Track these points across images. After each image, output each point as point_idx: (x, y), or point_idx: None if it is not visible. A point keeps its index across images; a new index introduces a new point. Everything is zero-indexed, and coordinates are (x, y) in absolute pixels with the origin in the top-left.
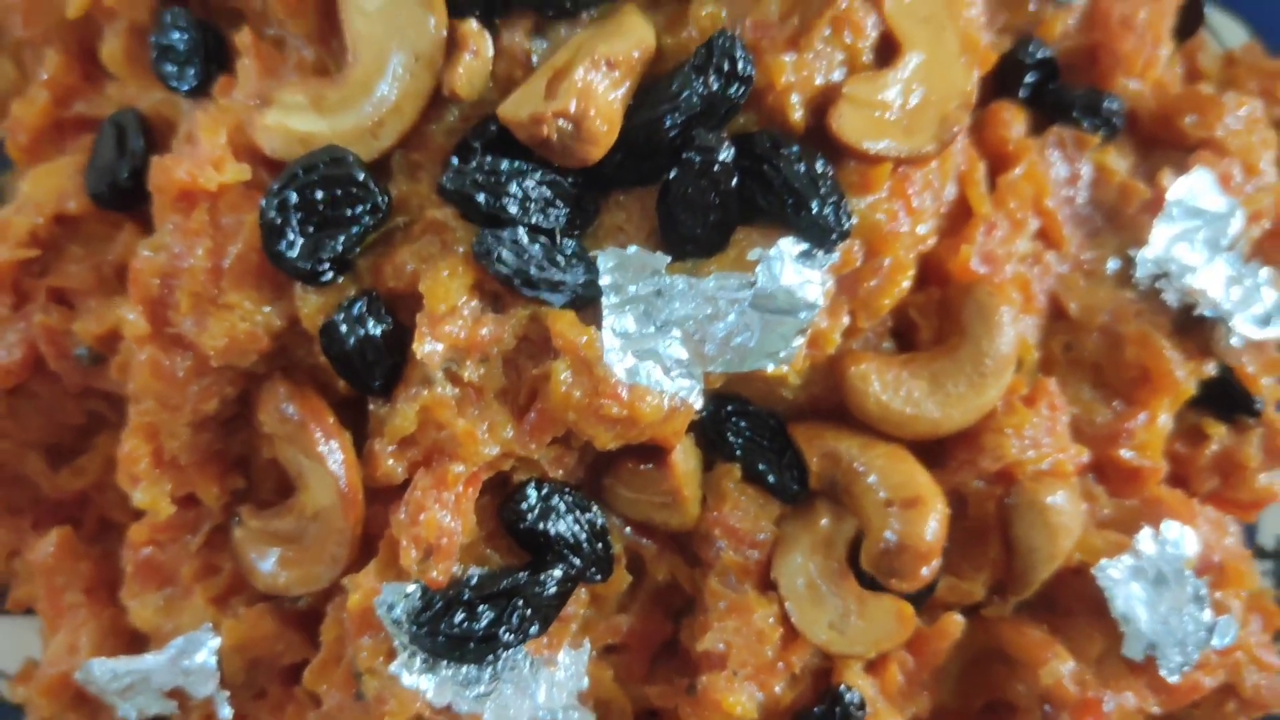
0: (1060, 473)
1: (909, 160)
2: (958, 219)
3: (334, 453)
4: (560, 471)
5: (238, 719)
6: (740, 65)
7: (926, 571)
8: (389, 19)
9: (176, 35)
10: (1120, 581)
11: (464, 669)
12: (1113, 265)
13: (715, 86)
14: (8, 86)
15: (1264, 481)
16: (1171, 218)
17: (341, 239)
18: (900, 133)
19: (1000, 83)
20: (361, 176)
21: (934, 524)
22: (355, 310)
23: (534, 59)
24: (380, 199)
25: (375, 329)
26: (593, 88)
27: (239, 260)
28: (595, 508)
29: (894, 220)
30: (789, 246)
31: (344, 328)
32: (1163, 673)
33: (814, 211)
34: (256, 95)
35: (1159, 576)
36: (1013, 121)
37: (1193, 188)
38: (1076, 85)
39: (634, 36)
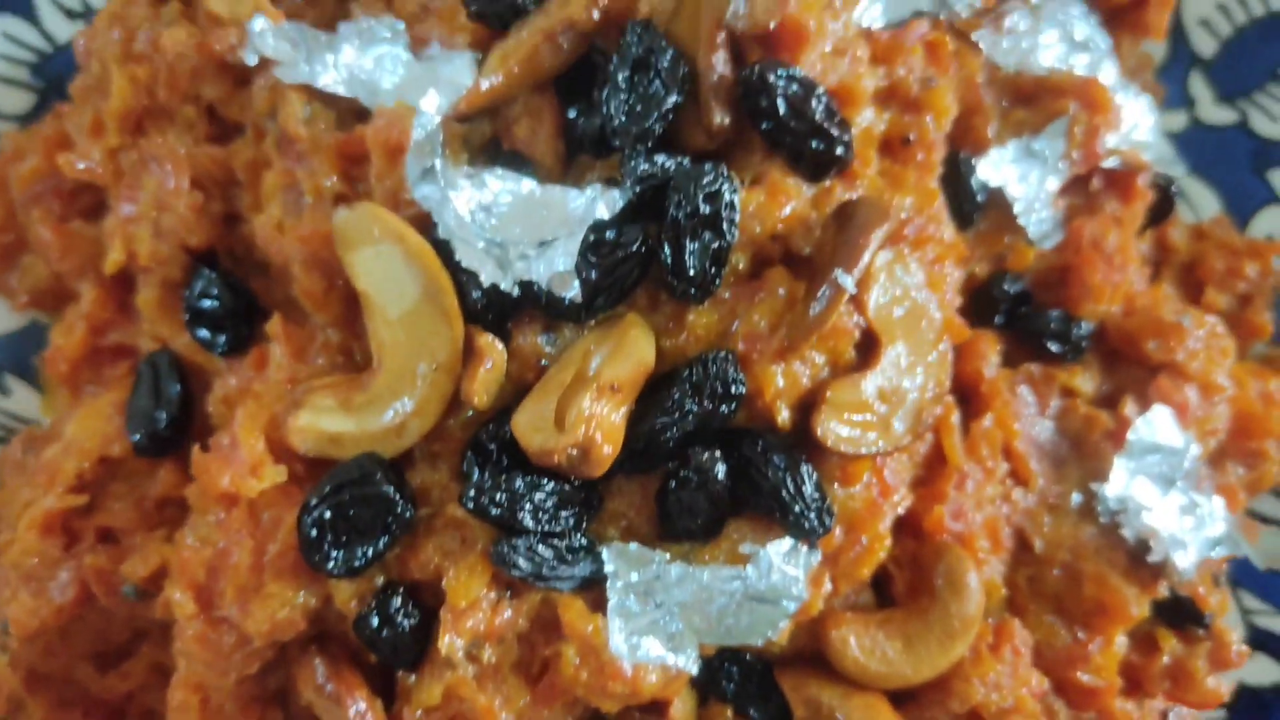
0: (1022, 709)
1: (887, 454)
2: (933, 466)
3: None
4: None
5: None
6: (732, 388)
7: None
8: (411, 328)
9: (208, 303)
10: None
11: None
12: (1076, 499)
13: (709, 406)
14: (41, 283)
15: (1211, 685)
16: (1131, 454)
17: (371, 547)
18: (879, 430)
19: (977, 312)
20: (388, 491)
21: None
22: (388, 607)
23: (543, 361)
24: (405, 508)
25: (404, 622)
26: (598, 415)
27: (278, 557)
28: None
29: (872, 506)
30: (775, 548)
31: (375, 621)
32: None
33: (799, 515)
34: (289, 382)
35: None
36: (988, 353)
37: (1151, 423)
38: (1049, 307)
39: (635, 358)
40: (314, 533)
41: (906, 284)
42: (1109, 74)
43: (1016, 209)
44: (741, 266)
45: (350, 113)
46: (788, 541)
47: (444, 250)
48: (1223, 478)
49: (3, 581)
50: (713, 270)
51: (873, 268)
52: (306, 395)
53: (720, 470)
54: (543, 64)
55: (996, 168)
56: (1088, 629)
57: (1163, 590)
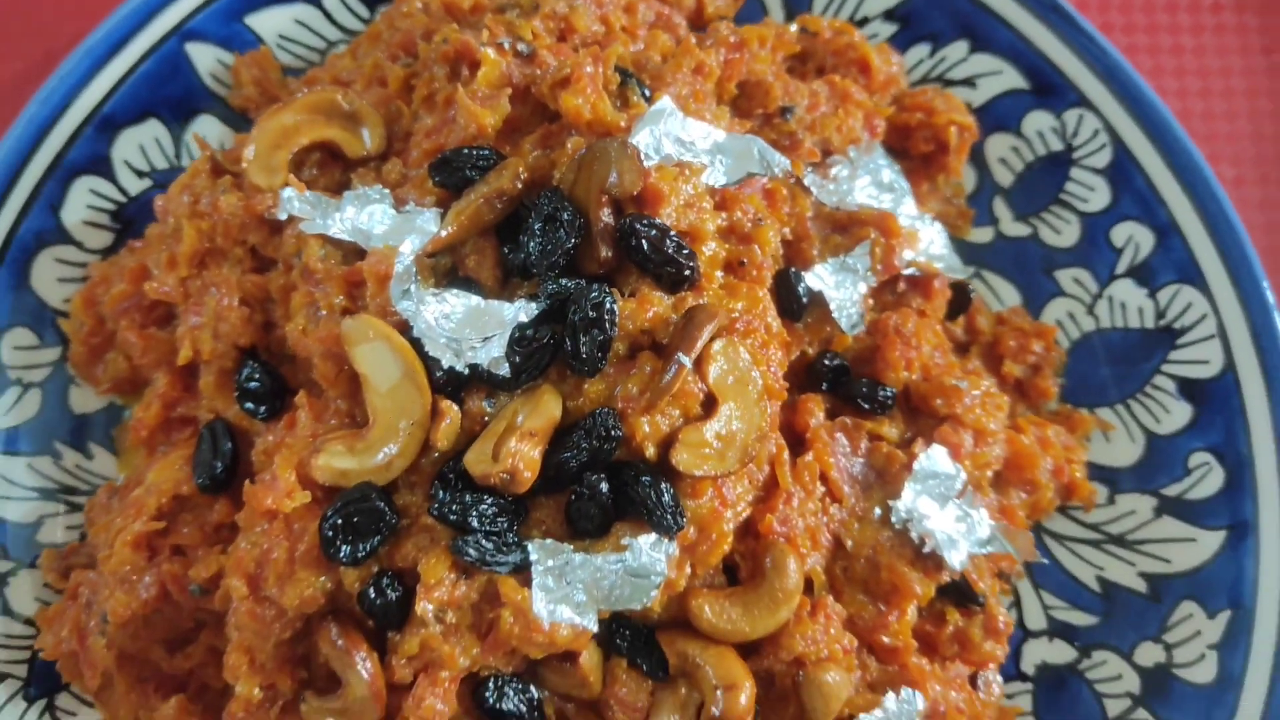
0: (833, 658)
1: (722, 476)
2: (769, 488)
3: (366, 666)
4: (510, 668)
5: None
6: (612, 432)
7: None
8: (395, 398)
9: (252, 384)
10: None
11: None
12: (877, 512)
13: (597, 444)
14: (120, 374)
15: (988, 648)
16: (917, 479)
17: (368, 544)
18: (716, 460)
19: (807, 380)
20: (380, 505)
21: (745, 699)
22: (379, 584)
23: (485, 418)
24: (391, 517)
25: (391, 596)
26: (521, 451)
27: (305, 554)
28: (534, 689)
29: (715, 513)
30: (645, 540)
31: (372, 594)
32: None
33: (660, 517)
34: (311, 436)
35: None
36: (815, 411)
37: (932, 457)
38: (862, 377)
39: (546, 412)
40: (330, 534)
41: (736, 360)
42: (909, 207)
43: (832, 308)
44: (621, 351)
45: (353, 252)
46: (654, 536)
47: (418, 345)
48: (1006, 500)
49: (104, 584)
50: (599, 355)
51: (710, 350)
52: (323, 444)
53: (605, 488)
54: (484, 218)
55: (819, 278)
56: (887, 604)
57: (945, 578)
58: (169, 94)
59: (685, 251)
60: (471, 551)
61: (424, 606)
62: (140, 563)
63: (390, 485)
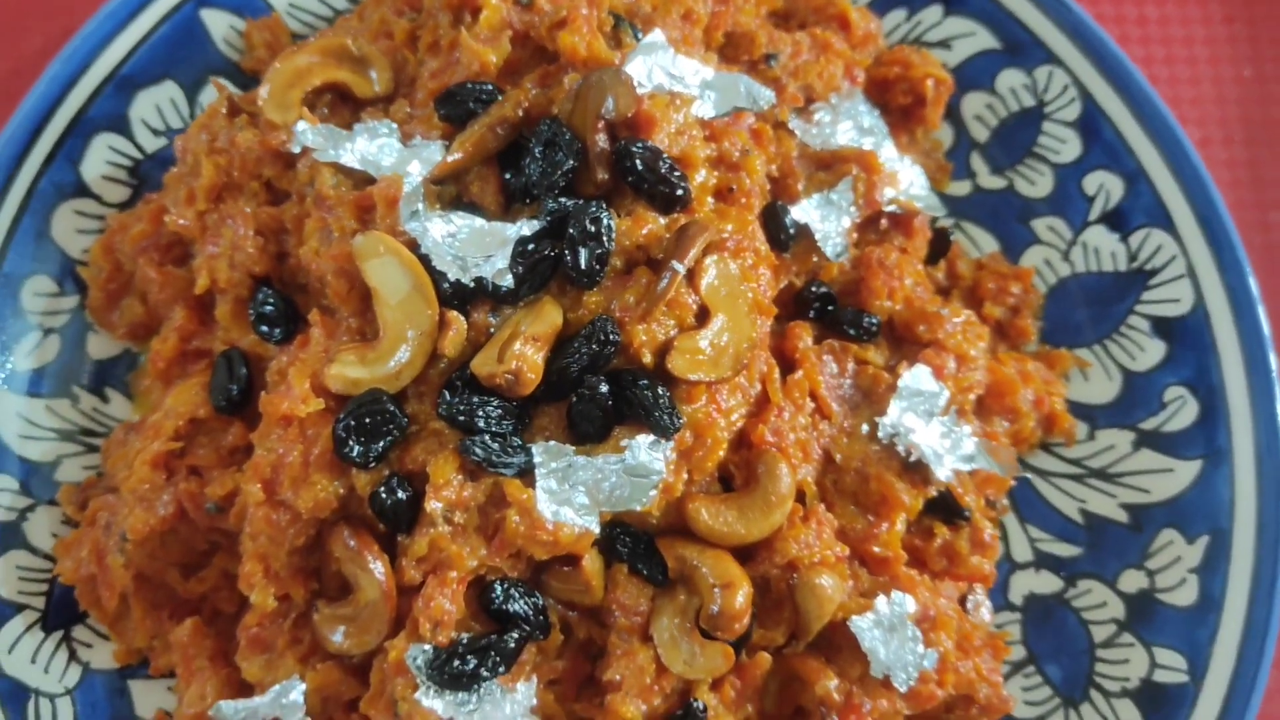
0: (826, 563)
1: (716, 382)
2: (761, 404)
3: (377, 568)
4: (516, 573)
5: None
6: (610, 336)
7: (739, 627)
8: (404, 310)
9: (268, 308)
10: (866, 629)
11: (459, 695)
12: (865, 429)
13: (596, 349)
14: (135, 319)
15: (975, 563)
16: (901, 396)
17: (380, 444)
18: (710, 366)
19: (796, 309)
20: (390, 408)
21: (742, 598)
22: (389, 485)
23: (490, 330)
24: (401, 419)
25: (401, 495)
26: (525, 354)
27: (319, 457)
28: (538, 594)
29: (710, 418)
30: (643, 439)
31: (383, 494)
32: (895, 685)
33: (657, 418)
34: (324, 351)
35: (890, 625)
36: (802, 335)
37: (914, 376)
38: (848, 306)
39: (548, 320)
40: (343, 435)
41: (727, 275)
42: (889, 150)
43: (817, 238)
44: (618, 266)
45: (363, 180)
46: (651, 437)
47: (425, 261)
48: (989, 426)
49: (123, 503)
50: (598, 267)
51: (702, 263)
52: (336, 354)
53: (604, 390)
54: (488, 145)
55: (804, 211)
56: (876, 515)
57: (932, 491)
58: (184, 57)
59: (677, 173)
60: (478, 451)
61: (433, 506)
62: (158, 482)
63: (400, 395)
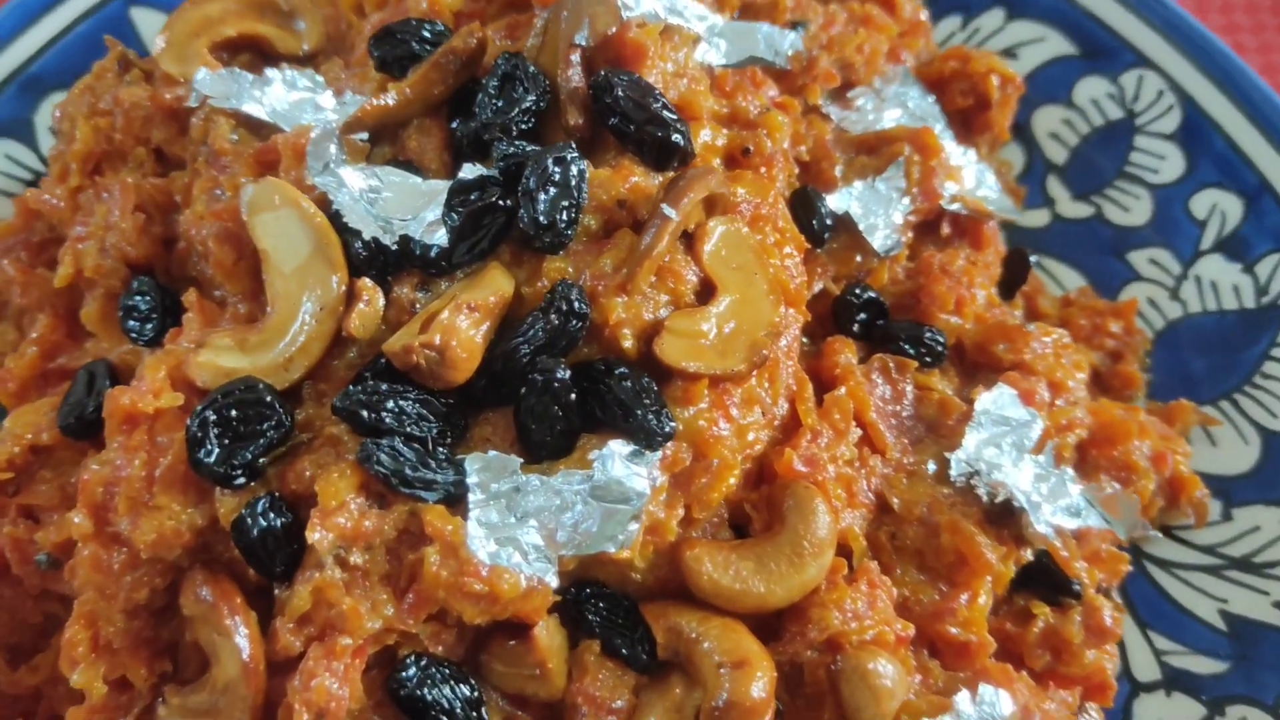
0: (883, 642)
1: (723, 377)
2: (789, 430)
3: (239, 627)
4: (440, 648)
5: None
6: (576, 305)
7: None
8: (302, 279)
9: (139, 299)
10: None
11: None
12: (932, 467)
13: (556, 322)
14: (6, 348)
15: (1090, 660)
16: (980, 425)
17: (251, 449)
18: (714, 356)
19: (835, 322)
20: (269, 399)
21: (760, 683)
22: (259, 507)
23: (417, 307)
24: (284, 417)
25: (276, 521)
26: (455, 325)
27: (168, 470)
28: (471, 681)
29: (715, 427)
30: (619, 447)
31: (249, 520)
32: None
33: (639, 419)
34: (195, 341)
35: None
36: (843, 351)
37: (997, 400)
38: (903, 322)
39: (493, 286)
40: (199, 433)
41: (740, 245)
42: (949, 142)
43: (861, 228)
44: (594, 227)
45: (271, 135)
46: (631, 446)
47: (335, 219)
48: (1095, 484)
49: None
50: (564, 222)
51: (706, 226)
52: (207, 338)
53: (564, 376)
54: (432, 88)
55: (844, 200)
56: (951, 584)
57: (1027, 556)
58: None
59: (672, 114)
60: (385, 460)
61: (320, 536)
62: None
63: (292, 395)
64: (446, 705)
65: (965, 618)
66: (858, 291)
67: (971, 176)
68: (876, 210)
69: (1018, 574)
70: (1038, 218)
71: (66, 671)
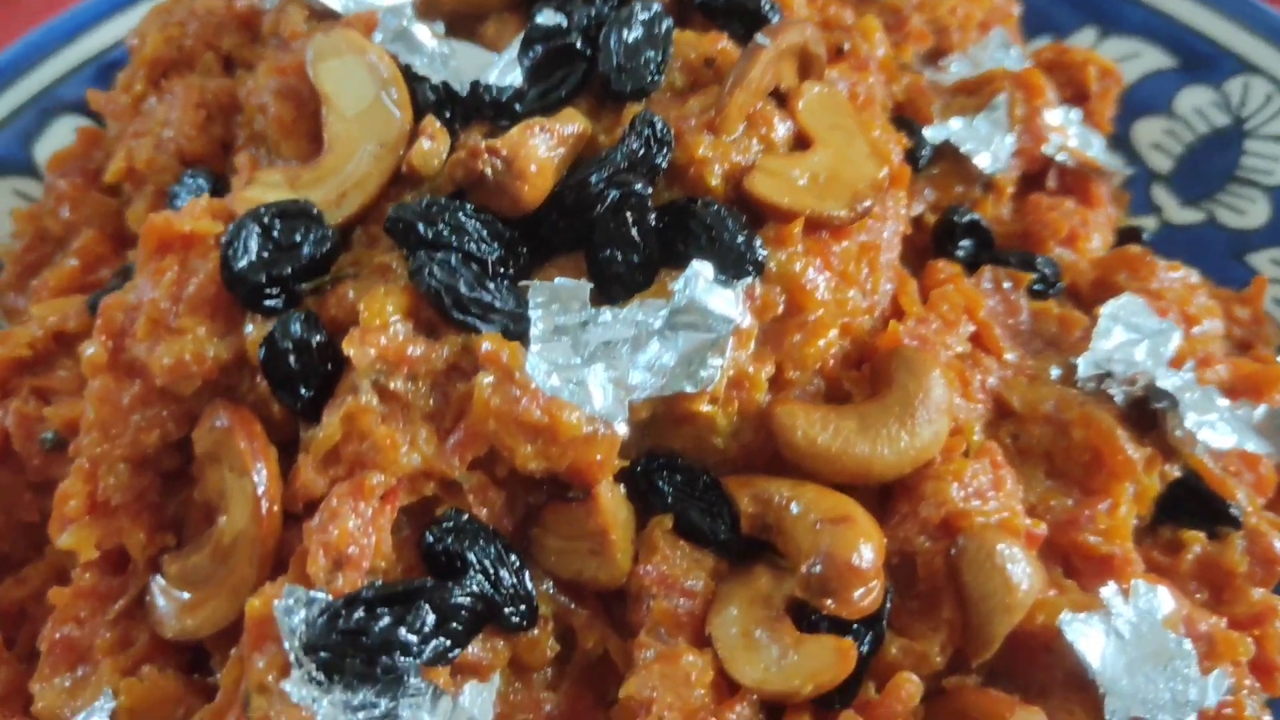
0: (1012, 528)
1: (821, 221)
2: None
3: (256, 460)
4: (485, 511)
5: None
6: (659, 130)
7: (861, 594)
8: (364, 122)
9: (190, 181)
10: (1091, 638)
11: (359, 694)
12: (1055, 372)
13: (637, 148)
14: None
15: (1258, 599)
16: (1108, 333)
17: (290, 264)
18: (811, 196)
19: (937, 247)
20: (315, 212)
21: (866, 543)
22: (293, 321)
23: None
24: (330, 234)
25: (311, 336)
26: (527, 139)
27: (198, 291)
28: (517, 556)
29: (811, 273)
30: (705, 269)
31: (279, 334)
32: None
33: (727, 242)
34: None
35: (1135, 632)
36: (948, 269)
37: (1126, 305)
38: (1012, 250)
39: (569, 119)
40: (235, 240)
41: (837, 105)
42: (1050, 94)
43: (965, 149)
44: (679, 84)
45: None
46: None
47: (405, 71)
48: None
49: None
50: (649, 65)
51: (801, 87)
52: (256, 175)
53: (642, 190)
54: None
55: (943, 131)
56: (1086, 491)
57: (1175, 472)
58: None
59: None
60: (438, 274)
61: (361, 353)
62: None
63: (342, 236)
64: (490, 567)
65: (1106, 526)
66: (957, 216)
67: (1075, 138)
68: (979, 142)
69: (1162, 497)
70: (1144, 225)
71: (55, 534)
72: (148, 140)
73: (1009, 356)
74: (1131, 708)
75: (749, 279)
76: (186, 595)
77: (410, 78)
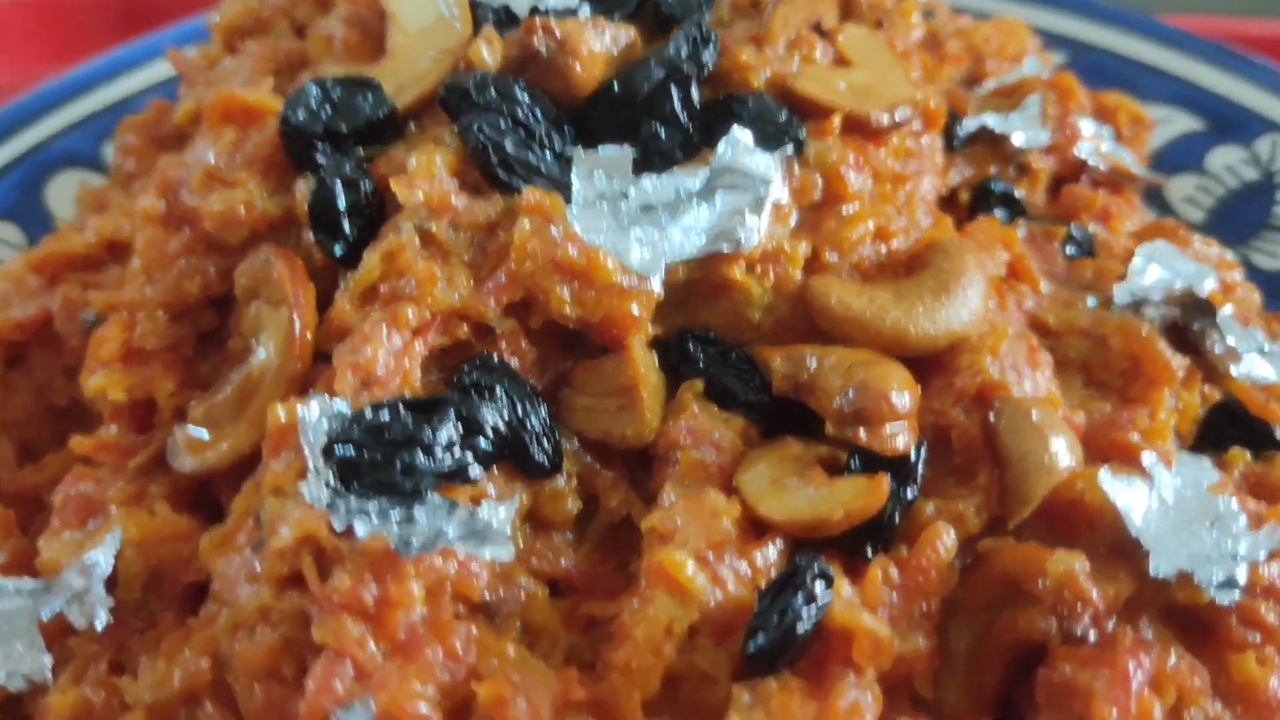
0: (1053, 403)
1: (860, 121)
2: None
3: (294, 292)
4: (516, 362)
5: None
6: (705, 32)
7: (893, 429)
8: (425, 36)
9: None
10: (1134, 496)
11: (373, 501)
12: (1091, 302)
13: (685, 47)
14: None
15: None
16: (1145, 271)
17: (347, 123)
18: (851, 98)
19: (972, 215)
20: (378, 83)
21: (899, 385)
22: (345, 166)
23: None
24: (389, 102)
25: (361, 181)
26: (580, 34)
27: (255, 149)
28: (544, 406)
29: (849, 164)
30: (745, 135)
31: (327, 178)
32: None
33: (768, 118)
34: None
35: (1179, 497)
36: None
37: (1159, 248)
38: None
39: (625, 31)
40: (296, 97)
41: (878, 47)
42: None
43: (999, 130)
44: (725, 19)
45: None
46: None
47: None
48: None
49: None
50: None
51: (842, 26)
52: (316, 68)
53: (690, 67)
54: None
55: (979, 121)
56: (1126, 399)
57: (1215, 395)
58: None
59: None
60: (487, 130)
61: (409, 192)
62: (32, 286)
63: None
64: (517, 405)
65: (1146, 428)
66: (992, 185)
67: (1115, 154)
68: (1014, 127)
69: (1204, 422)
70: None
71: (85, 379)
72: (214, 91)
73: (1044, 288)
74: (1178, 561)
75: (788, 149)
76: (208, 435)
77: (471, 4)
